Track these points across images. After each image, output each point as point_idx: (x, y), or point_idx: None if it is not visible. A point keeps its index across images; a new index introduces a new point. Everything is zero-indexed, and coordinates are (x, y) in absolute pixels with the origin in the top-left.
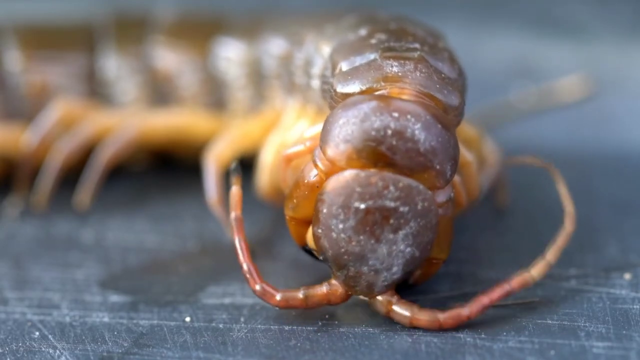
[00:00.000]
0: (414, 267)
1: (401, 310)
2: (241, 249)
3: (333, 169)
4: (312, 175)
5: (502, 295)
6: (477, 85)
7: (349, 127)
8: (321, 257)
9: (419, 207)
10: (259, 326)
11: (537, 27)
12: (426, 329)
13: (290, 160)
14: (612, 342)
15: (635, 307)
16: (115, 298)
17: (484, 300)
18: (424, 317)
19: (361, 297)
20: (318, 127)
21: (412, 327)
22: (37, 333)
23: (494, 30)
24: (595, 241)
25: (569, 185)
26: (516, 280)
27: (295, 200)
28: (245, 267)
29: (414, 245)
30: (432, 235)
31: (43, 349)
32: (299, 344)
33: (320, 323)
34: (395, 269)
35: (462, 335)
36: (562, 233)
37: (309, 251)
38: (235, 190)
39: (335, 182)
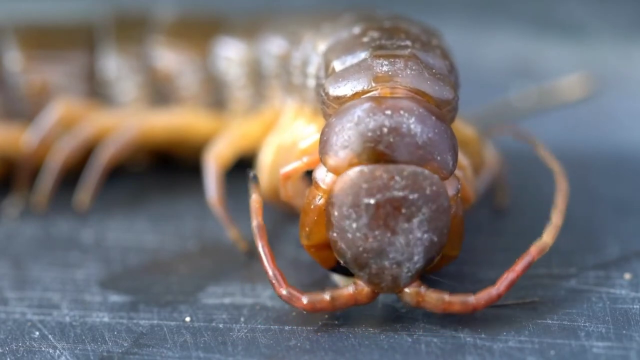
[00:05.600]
0: (435, 254)
1: (433, 298)
2: (265, 255)
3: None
4: (317, 199)
5: (526, 266)
6: (477, 85)
7: (345, 133)
8: (342, 263)
9: (428, 191)
10: (259, 326)
11: (537, 27)
12: (460, 313)
13: (289, 178)
14: (612, 342)
15: (635, 307)
16: (115, 298)
17: (511, 275)
18: (456, 301)
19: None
20: (312, 138)
21: (444, 313)
22: (37, 333)
23: (494, 30)
24: (595, 241)
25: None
26: (534, 249)
27: (307, 228)
28: (270, 272)
29: (431, 231)
30: (446, 219)
31: (43, 349)
32: (299, 344)
33: (320, 323)
34: (416, 257)
35: (462, 335)
36: (558, 193)
37: (340, 269)
38: (256, 197)
39: (342, 183)
